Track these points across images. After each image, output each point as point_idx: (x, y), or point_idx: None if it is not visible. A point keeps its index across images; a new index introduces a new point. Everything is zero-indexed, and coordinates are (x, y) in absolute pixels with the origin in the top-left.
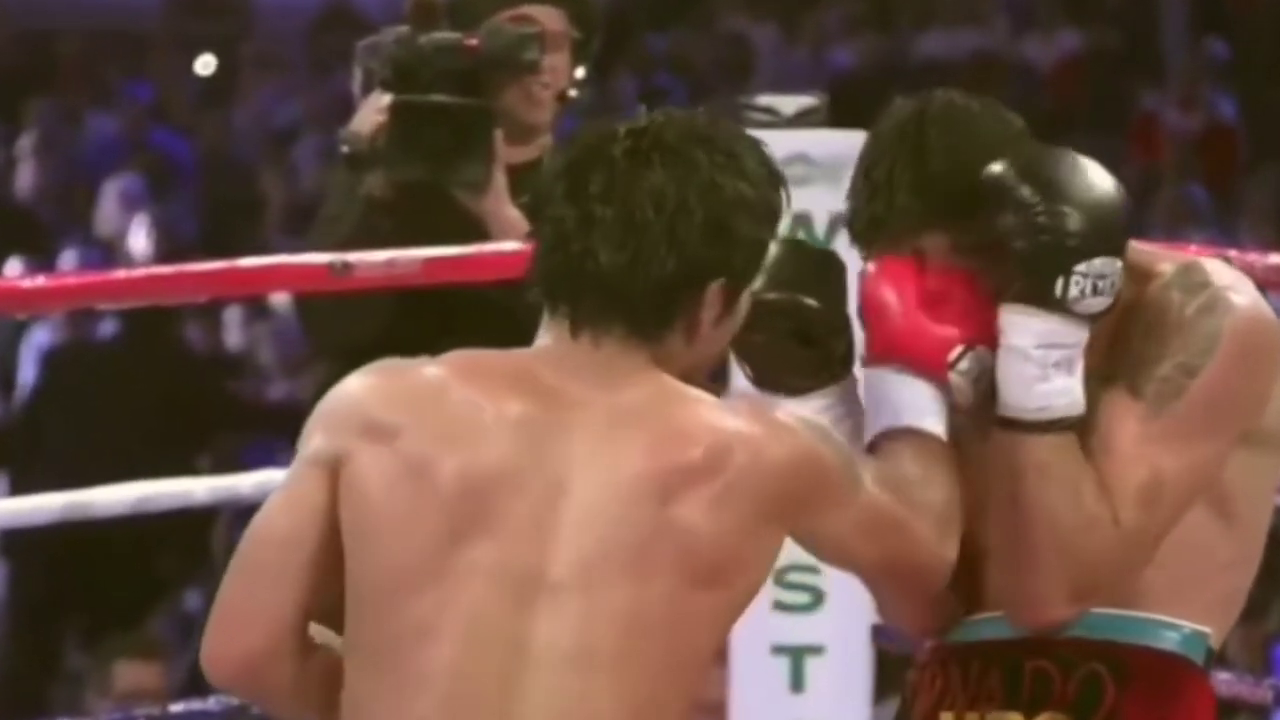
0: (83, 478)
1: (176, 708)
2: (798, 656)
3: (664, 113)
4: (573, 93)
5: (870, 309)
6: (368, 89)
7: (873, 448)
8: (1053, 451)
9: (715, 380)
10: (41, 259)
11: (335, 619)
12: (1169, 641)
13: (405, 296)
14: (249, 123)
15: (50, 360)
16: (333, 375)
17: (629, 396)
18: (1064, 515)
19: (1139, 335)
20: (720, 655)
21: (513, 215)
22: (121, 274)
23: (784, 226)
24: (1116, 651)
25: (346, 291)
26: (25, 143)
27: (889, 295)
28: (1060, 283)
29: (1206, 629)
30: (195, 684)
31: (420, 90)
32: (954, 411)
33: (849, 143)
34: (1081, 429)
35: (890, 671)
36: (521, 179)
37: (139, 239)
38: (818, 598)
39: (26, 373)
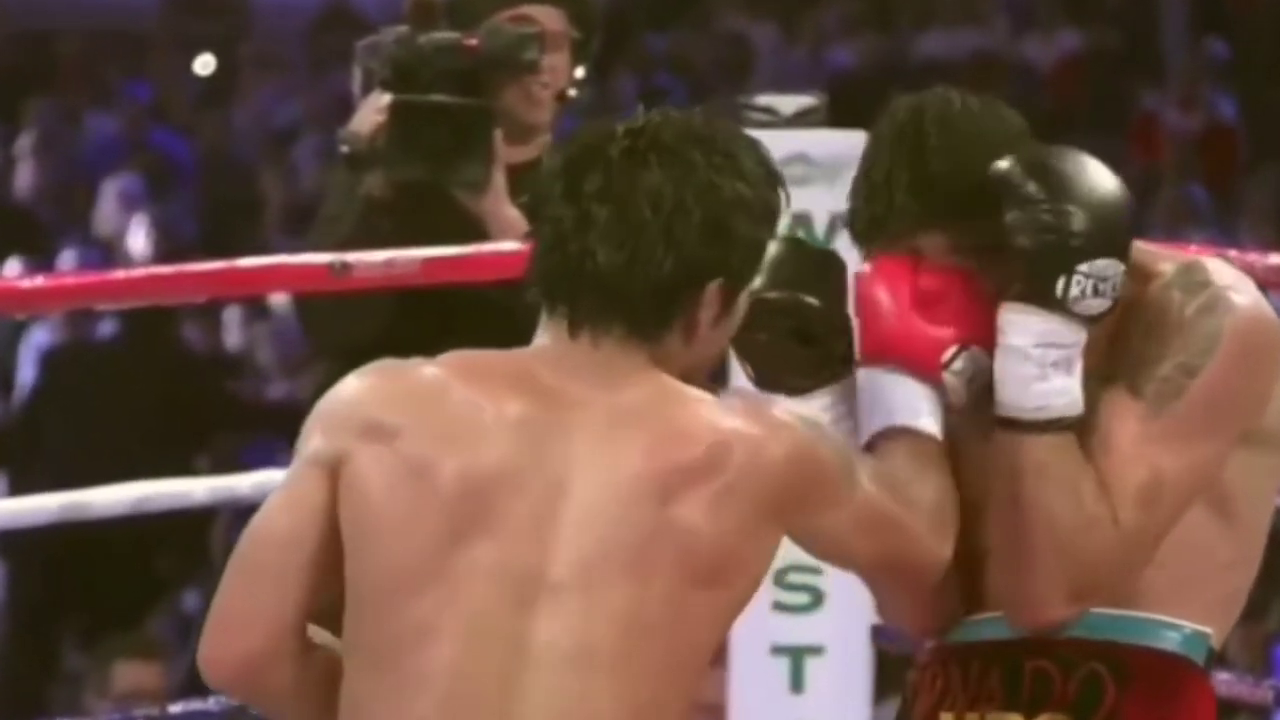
0: (82, 478)
1: (175, 708)
2: (797, 657)
3: (661, 113)
4: (572, 93)
5: (864, 309)
6: (367, 89)
7: (868, 448)
8: (1051, 451)
9: (715, 380)
10: (40, 259)
11: (335, 619)
12: (1170, 642)
13: (405, 296)
14: (248, 123)
15: (49, 360)
16: (332, 375)
17: (629, 396)
18: (1063, 515)
19: (1139, 335)
20: (719, 656)
21: (512, 215)
22: (121, 274)
23: (782, 226)
24: (1117, 652)
25: (346, 291)
26: (24, 142)
27: (883, 295)
28: (1062, 282)
29: (1207, 629)
30: (194, 684)
31: (420, 90)
32: (949, 411)
33: (848, 143)
34: (1081, 428)
35: (890, 671)
36: (521, 179)
37: (138, 239)
38: (817, 598)
39: (25, 373)
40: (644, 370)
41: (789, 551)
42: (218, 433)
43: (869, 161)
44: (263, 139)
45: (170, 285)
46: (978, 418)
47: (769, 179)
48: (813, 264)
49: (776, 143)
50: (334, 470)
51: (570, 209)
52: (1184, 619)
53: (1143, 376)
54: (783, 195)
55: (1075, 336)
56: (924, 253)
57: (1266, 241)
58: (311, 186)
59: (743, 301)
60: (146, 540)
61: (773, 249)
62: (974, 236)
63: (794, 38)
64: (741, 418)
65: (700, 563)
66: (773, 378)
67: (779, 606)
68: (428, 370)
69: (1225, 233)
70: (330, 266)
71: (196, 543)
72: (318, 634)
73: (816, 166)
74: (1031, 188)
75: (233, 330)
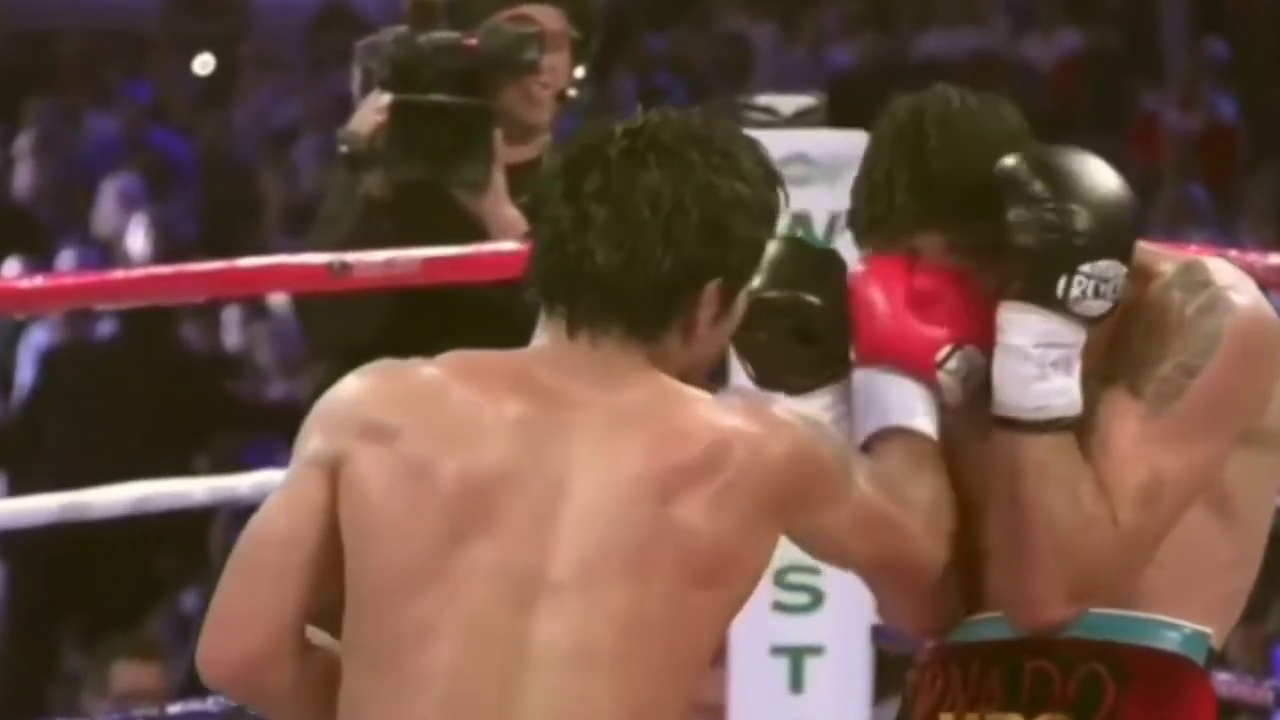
0: (81, 478)
1: (175, 708)
2: (797, 657)
3: (660, 113)
4: (572, 92)
5: (859, 309)
6: (367, 89)
7: (863, 448)
8: (1051, 451)
9: (715, 379)
10: (40, 259)
11: (335, 619)
12: (1170, 642)
13: (404, 296)
14: (248, 122)
15: (48, 360)
16: (331, 375)
17: (628, 396)
18: (1062, 515)
19: (1139, 334)
20: (719, 656)
21: (512, 215)
22: (120, 274)
23: (782, 226)
24: (1117, 652)
25: (345, 291)
26: (24, 142)
27: (877, 295)
28: (1063, 282)
29: (1207, 629)
30: (194, 684)
31: (419, 90)
32: (945, 411)
33: (848, 143)
34: (1081, 428)
35: (890, 671)
36: (521, 179)
37: (137, 239)
38: (817, 598)
39: (24, 373)
40: (643, 370)
41: (788, 551)
42: (217, 433)
43: (870, 162)
44: (262, 139)
45: (169, 285)
46: (974, 417)
47: (768, 179)
48: (813, 263)
49: (776, 143)
50: (333, 470)
51: (569, 209)
52: (1184, 619)
53: (1143, 376)
54: (782, 195)
55: (1075, 337)
56: (922, 252)
57: (1266, 241)
58: (311, 186)
59: (741, 301)
60: (146, 540)
61: (773, 248)
62: (972, 236)
63: (794, 38)
64: (741, 416)
65: (700, 562)
66: (773, 377)
67: (779, 606)
68: (427, 370)
69: (1225, 233)
70: (330, 266)
71: (196, 543)
72: (316, 634)
73: (816, 166)
74: (1036, 186)
75: (232, 330)
